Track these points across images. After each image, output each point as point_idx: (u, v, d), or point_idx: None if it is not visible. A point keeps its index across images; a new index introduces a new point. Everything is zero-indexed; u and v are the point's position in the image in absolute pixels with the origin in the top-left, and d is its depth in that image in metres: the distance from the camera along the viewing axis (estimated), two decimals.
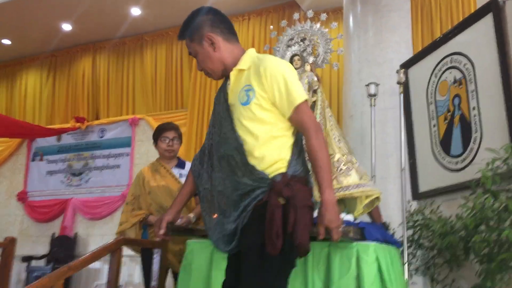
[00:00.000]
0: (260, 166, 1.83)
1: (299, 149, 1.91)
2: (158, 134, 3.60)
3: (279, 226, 1.71)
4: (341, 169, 2.84)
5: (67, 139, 8.39)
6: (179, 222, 2.88)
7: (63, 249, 7.57)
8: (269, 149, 1.84)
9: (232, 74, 1.96)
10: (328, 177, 1.79)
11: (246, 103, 1.88)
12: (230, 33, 2.03)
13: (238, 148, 1.86)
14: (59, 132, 8.30)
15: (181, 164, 3.65)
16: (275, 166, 1.82)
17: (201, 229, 2.72)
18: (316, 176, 1.81)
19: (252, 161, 1.84)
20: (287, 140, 1.88)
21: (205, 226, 2.02)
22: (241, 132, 1.87)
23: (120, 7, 7.39)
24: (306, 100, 1.89)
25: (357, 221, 2.64)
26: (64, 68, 8.89)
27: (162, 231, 2.09)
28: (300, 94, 1.87)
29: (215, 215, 1.93)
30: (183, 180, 3.48)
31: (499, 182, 2.18)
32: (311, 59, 3.18)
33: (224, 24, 2.03)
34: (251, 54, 1.99)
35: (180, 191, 2.23)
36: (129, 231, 3.44)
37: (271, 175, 1.82)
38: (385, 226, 2.95)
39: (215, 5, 7.42)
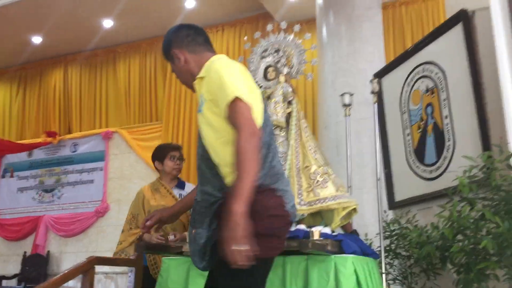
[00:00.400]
0: (221, 174, 1.76)
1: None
2: (165, 153, 3.56)
3: None
4: (317, 181, 2.82)
5: (39, 154, 8.20)
6: (172, 238, 2.79)
7: (35, 268, 7.37)
8: (226, 155, 1.71)
9: (195, 83, 1.95)
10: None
11: (199, 110, 1.85)
12: (195, 44, 2.04)
13: (202, 156, 1.83)
14: (30, 148, 8.11)
15: (181, 185, 3.62)
16: (233, 175, 1.63)
17: (177, 246, 2.66)
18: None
19: (214, 169, 1.77)
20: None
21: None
22: (203, 139, 1.83)
23: (91, 19, 7.30)
24: (241, 98, 1.67)
25: (335, 233, 2.61)
26: (35, 82, 8.71)
27: (149, 222, 2.04)
28: (234, 89, 1.68)
29: (194, 231, 1.88)
30: None
31: (476, 190, 2.18)
32: (285, 70, 3.16)
33: (188, 37, 2.03)
34: (212, 59, 1.96)
35: (186, 195, 2.21)
36: (129, 249, 3.38)
37: (228, 185, 1.69)
38: (356, 233, 2.94)
39: (188, 17, 7.43)
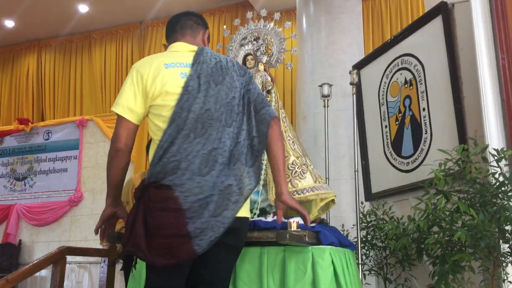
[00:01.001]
0: None
1: (161, 153, 1.78)
2: None
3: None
4: (295, 172, 2.79)
5: (10, 142, 7.99)
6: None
7: (7, 257, 7.22)
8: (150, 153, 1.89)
9: None
10: (108, 191, 1.91)
11: None
12: (168, 36, 2.09)
13: None
14: (1, 135, 7.91)
15: None
16: None
17: None
18: None
19: None
20: (154, 144, 1.86)
21: None
22: None
23: (66, 4, 7.11)
24: (115, 112, 1.89)
25: (312, 224, 2.60)
26: (7, 67, 8.48)
27: (96, 226, 1.99)
28: (115, 103, 1.90)
29: None
30: None
31: (451, 183, 2.19)
32: (264, 59, 3.12)
33: (167, 30, 2.11)
34: None
35: None
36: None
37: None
38: (324, 223, 2.93)
39: (167, 4, 7.33)
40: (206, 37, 2.11)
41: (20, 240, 7.45)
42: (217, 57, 1.95)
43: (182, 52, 1.95)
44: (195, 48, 1.96)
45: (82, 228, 7.19)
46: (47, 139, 7.80)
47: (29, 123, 7.87)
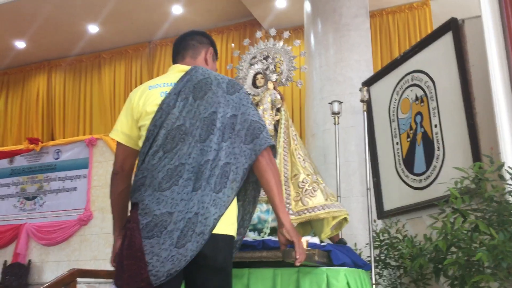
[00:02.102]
0: None
1: (137, 178, 1.78)
2: None
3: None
4: (306, 190, 2.76)
5: (20, 161, 8.02)
6: None
7: (16, 277, 7.18)
8: None
9: None
10: (113, 222, 1.94)
11: None
12: (173, 57, 2.06)
13: None
14: (11, 154, 7.93)
15: None
16: None
17: None
18: None
19: None
20: None
21: None
22: None
23: (76, 24, 7.20)
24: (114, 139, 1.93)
25: (323, 243, 2.56)
26: (17, 87, 8.56)
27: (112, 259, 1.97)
28: (113, 129, 1.94)
29: None
30: None
31: (468, 201, 2.15)
32: (274, 77, 3.11)
33: (173, 51, 2.08)
34: None
35: None
36: None
37: None
38: (343, 242, 2.89)
39: (175, 23, 7.39)
40: (210, 55, 2.06)
41: (29, 260, 7.42)
42: (207, 75, 1.87)
43: (172, 73, 1.94)
44: (187, 68, 1.92)
45: (92, 247, 7.16)
46: (57, 158, 7.82)
47: (39, 143, 7.90)
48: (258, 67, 3.15)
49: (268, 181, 1.77)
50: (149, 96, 1.85)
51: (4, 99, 8.61)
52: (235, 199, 1.80)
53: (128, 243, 1.66)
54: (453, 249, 2.14)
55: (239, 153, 1.76)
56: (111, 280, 2.98)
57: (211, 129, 1.75)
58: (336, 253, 2.40)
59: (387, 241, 3.25)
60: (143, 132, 1.81)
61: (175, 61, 2.03)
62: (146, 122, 1.80)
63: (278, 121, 3.07)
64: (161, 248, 1.61)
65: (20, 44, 7.78)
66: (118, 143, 1.91)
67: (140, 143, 1.82)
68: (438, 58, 3.27)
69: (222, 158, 1.74)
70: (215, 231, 1.68)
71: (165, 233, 1.63)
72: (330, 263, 2.33)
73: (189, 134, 1.75)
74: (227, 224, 1.74)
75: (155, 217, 1.65)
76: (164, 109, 1.78)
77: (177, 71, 1.93)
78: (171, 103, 1.79)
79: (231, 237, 1.78)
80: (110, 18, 6.98)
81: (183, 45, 2.04)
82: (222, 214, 1.70)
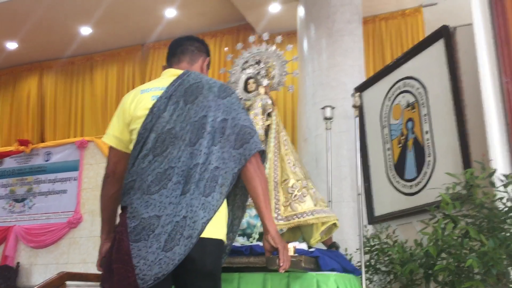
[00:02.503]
0: None
1: (126, 181, 1.77)
2: None
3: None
4: (295, 195, 2.76)
5: (10, 163, 7.94)
6: None
7: (4, 280, 7.11)
8: None
9: None
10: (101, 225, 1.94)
11: None
12: (168, 58, 2.05)
13: None
14: (1, 156, 7.87)
15: None
16: None
17: None
18: None
19: None
20: None
21: None
22: None
23: (69, 26, 7.17)
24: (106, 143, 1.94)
25: (311, 249, 2.55)
26: (8, 88, 8.50)
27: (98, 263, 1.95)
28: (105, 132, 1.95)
29: None
30: None
31: (459, 207, 2.16)
32: (265, 82, 3.12)
33: (168, 52, 2.07)
34: None
35: None
36: None
37: None
38: (335, 246, 2.89)
39: (168, 26, 7.35)
40: (206, 64, 2.07)
41: (18, 263, 7.35)
42: (199, 79, 1.87)
43: (165, 77, 1.93)
44: (180, 72, 1.91)
45: (81, 250, 7.10)
46: (47, 160, 7.76)
47: (29, 144, 7.84)
48: (249, 71, 3.15)
49: (255, 188, 1.76)
50: (140, 100, 1.85)
51: None
52: (225, 204, 1.79)
53: (117, 246, 1.65)
54: (443, 255, 2.15)
55: (228, 157, 1.75)
56: (99, 284, 2.96)
57: (201, 133, 1.74)
58: (324, 258, 2.39)
59: (377, 247, 3.25)
60: (134, 136, 1.80)
61: (169, 63, 2.02)
62: (137, 125, 1.80)
63: (269, 126, 3.07)
64: (148, 252, 1.60)
65: (12, 45, 7.74)
66: (110, 147, 1.90)
67: (131, 147, 1.81)
68: (430, 65, 3.29)
69: (212, 162, 1.72)
70: (203, 235, 1.66)
71: (152, 236, 1.62)
72: (318, 269, 2.33)
73: (179, 138, 1.74)
74: (216, 228, 1.72)
75: (143, 220, 1.64)
76: (154, 113, 1.78)
77: (169, 75, 1.92)
78: (161, 107, 1.79)
79: (220, 241, 1.76)
80: (103, 20, 6.96)
81: (181, 49, 2.03)
82: (211, 218, 1.68)
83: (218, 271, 1.76)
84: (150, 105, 1.80)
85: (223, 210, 1.77)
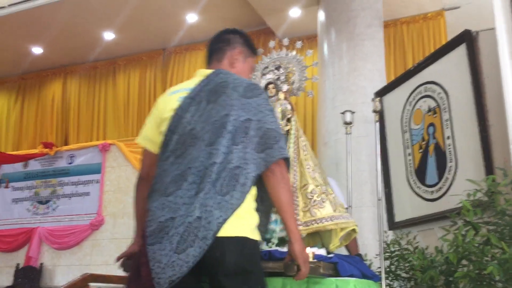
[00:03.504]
0: None
1: (151, 184, 1.78)
2: None
3: None
4: (314, 201, 2.75)
5: (34, 165, 8.12)
6: None
7: (28, 280, 7.25)
8: None
9: None
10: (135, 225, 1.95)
11: None
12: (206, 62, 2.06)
13: None
14: (26, 158, 8.04)
15: None
16: None
17: None
18: None
19: None
20: None
21: None
22: None
23: (92, 31, 7.29)
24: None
25: (330, 255, 2.54)
26: (33, 92, 8.68)
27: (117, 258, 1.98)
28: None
29: None
30: None
31: (480, 214, 2.14)
32: (284, 87, 3.12)
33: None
34: None
35: None
36: None
37: None
38: (361, 258, 2.87)
39: (189, 31, 7.41)
40: (240, 54, 2.00)
41: (41, 264, 7.49)
42: (225, 78, 1.81)
43: (195, 78, 1.92)
44: (209, 72, 1.89)
45: (103, 252, 7.20)
46: (71, 163, 7.91)
47: (53, 147, 7.99)
48: (269, 77, 3.16)
49: (277, 198, 1.70)
50: (168, 101, 1.86)
51: (20, 103, 8.74)
52: (250, 202, 1.72)
53: (142, 250, 1.65)
54: (464, 262, 2.13)
55: (250, 159, 1.67)
56: (122, 286, 3.00)
57: (220, 132, 1.69)
58: (343, 264, 2.38)
59: (397, 253, 3.23)
60: (162, 138, 1.80)
61: (207, 66, 2.02)
62: (165, 127, 1.80)
63: (288, 131, 3.07)
64: (162, 254, 1.57)
65: (37, 50, 7.90)
66: (144, 149, 1.91)
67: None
68: (452, 70, 3.26)
69: (232, 161, 1.66)
70: (221, 234, 1.60)
71: (166, 238, 1.59)
72: (337, 275, 2.32)
73: (199, 138, 1.71)
74: (236, 226, 1.64)
75: (160, 224, 1.62)
76: (178, 114, 1.78)
77: (199, 76, 1.92)
78: (185, 107, 1.78)
79: (243, 238, 1.66)
80: (126, 25, 7.06)
81: (210, 48, 2.04)
82: (228, 217, 1.61)
83: (247, 270, 1.65)
84: (175, 106, 1.79)
85: (246, 208, 1.69)
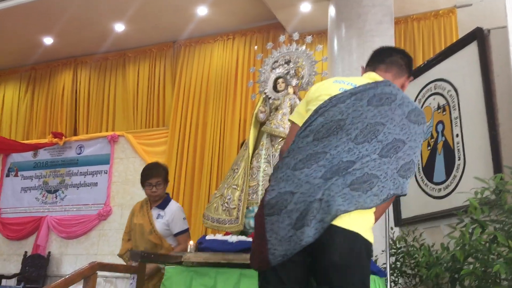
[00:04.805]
0: None
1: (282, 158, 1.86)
2: (142, 180, 3.63)
3: None
4: None
5: (44, 155, 8.20)
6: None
7: (36, 268, 7.34)
8: None
9: None
10: None
11: None
12: (373, 62, 2.09)
13: None
14: (35, 148, 8.11)
15: (162, 205, 3.60)
16: None
17: (176, 255, 2.64)
18: None
19: None
20: None
21: None
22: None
23: (103, 23, 7.32)
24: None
25: None
26: (44, 82, 8.74)
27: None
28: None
29: None
30: (160, 220, 3.46)
31: (487, 212, 2.14)
32: (294, 82, 3.14)
33: (374, 55, 2.12)
34: None
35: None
36: (126, 256, 3.56)
37: None
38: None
39: (199, 24, 7.41)
40: (408, 83, 2.10)
41: (49, 252, 7.57)
42: (395, 92, 1.84)
43: (364, 78, 1.95)
44: (380, 79, 1.92)
45: (110, 242, 7.27)
46: (79, 154, 7.97)
47: (63, 137, 8.06)
48: (279, 71, 3.17)
49: (377, 217, 1.79)
50: (329, 87, 1.90)
51: (30, 93, 8.81)
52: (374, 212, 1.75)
53: (256, 222, 1.71)
54: (470, 259, 2.14)
55: (390, 176, 1.71)
56: (128, 275, 3.04)
57: (370, 137, 1.73)
58: None
59: (403, 249, 3.24)
60: (307, 115, 1.85)
61: (373, 68, 2.04)
62: (313, 107, 1.85)
63: None
64: (280, 227, 1.60)
65: (48, 40, 7.94)
66: (292, 123, 1.95)
67: None
68: (462, 68, 3.24)
69: (370, 167, 1.69)
70: (338, 223, 1.61)
71: (284, 212, 1.62)
72: None
73: (345, 130, 1.74)
74: (354, 221, 1.65)
75: (278, 195, 1.66)
76: (332, 101, 1.81)
77: (369, 78, 1.95)
78: (342, 98, 1.81)
79: (358, 235, 1.66)
80: (136, 17, 7.09)
81: (391, 59, 2.06)
82: (349, 211, 1.62)
83: (350, 267, 1.64)
84: (334, 93, 1.83)
85: (370, 214, 1.73)
